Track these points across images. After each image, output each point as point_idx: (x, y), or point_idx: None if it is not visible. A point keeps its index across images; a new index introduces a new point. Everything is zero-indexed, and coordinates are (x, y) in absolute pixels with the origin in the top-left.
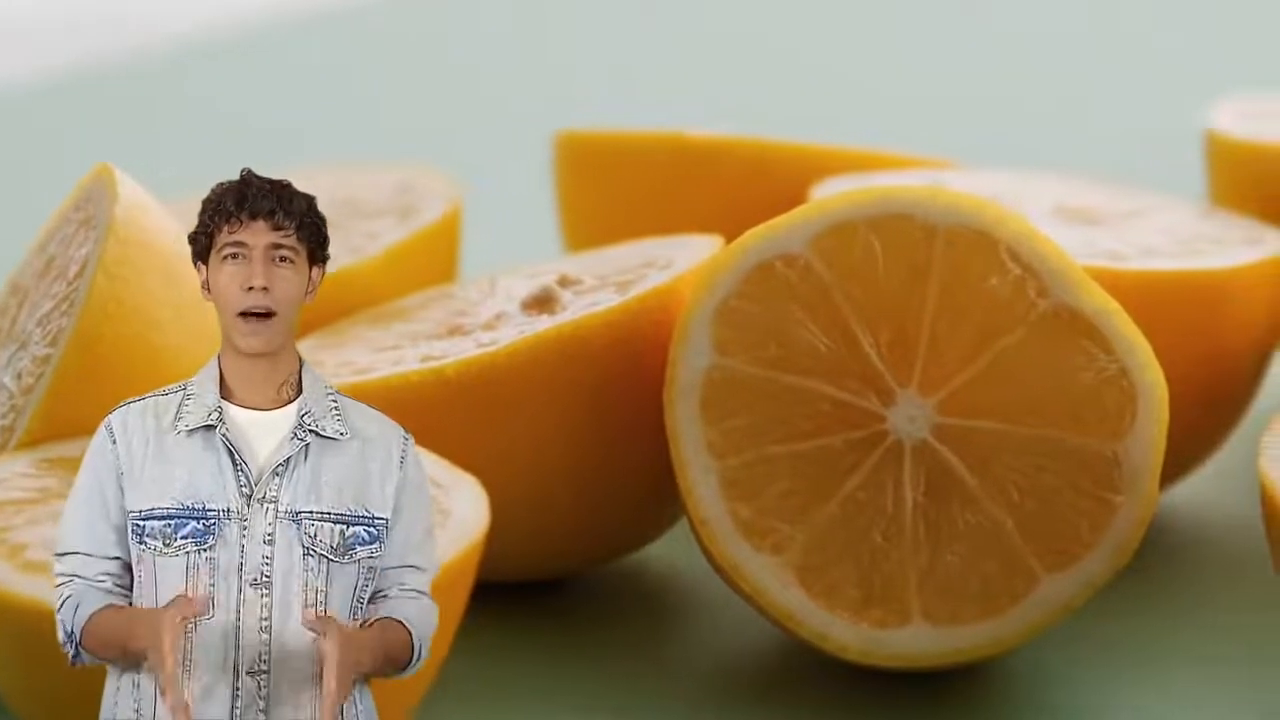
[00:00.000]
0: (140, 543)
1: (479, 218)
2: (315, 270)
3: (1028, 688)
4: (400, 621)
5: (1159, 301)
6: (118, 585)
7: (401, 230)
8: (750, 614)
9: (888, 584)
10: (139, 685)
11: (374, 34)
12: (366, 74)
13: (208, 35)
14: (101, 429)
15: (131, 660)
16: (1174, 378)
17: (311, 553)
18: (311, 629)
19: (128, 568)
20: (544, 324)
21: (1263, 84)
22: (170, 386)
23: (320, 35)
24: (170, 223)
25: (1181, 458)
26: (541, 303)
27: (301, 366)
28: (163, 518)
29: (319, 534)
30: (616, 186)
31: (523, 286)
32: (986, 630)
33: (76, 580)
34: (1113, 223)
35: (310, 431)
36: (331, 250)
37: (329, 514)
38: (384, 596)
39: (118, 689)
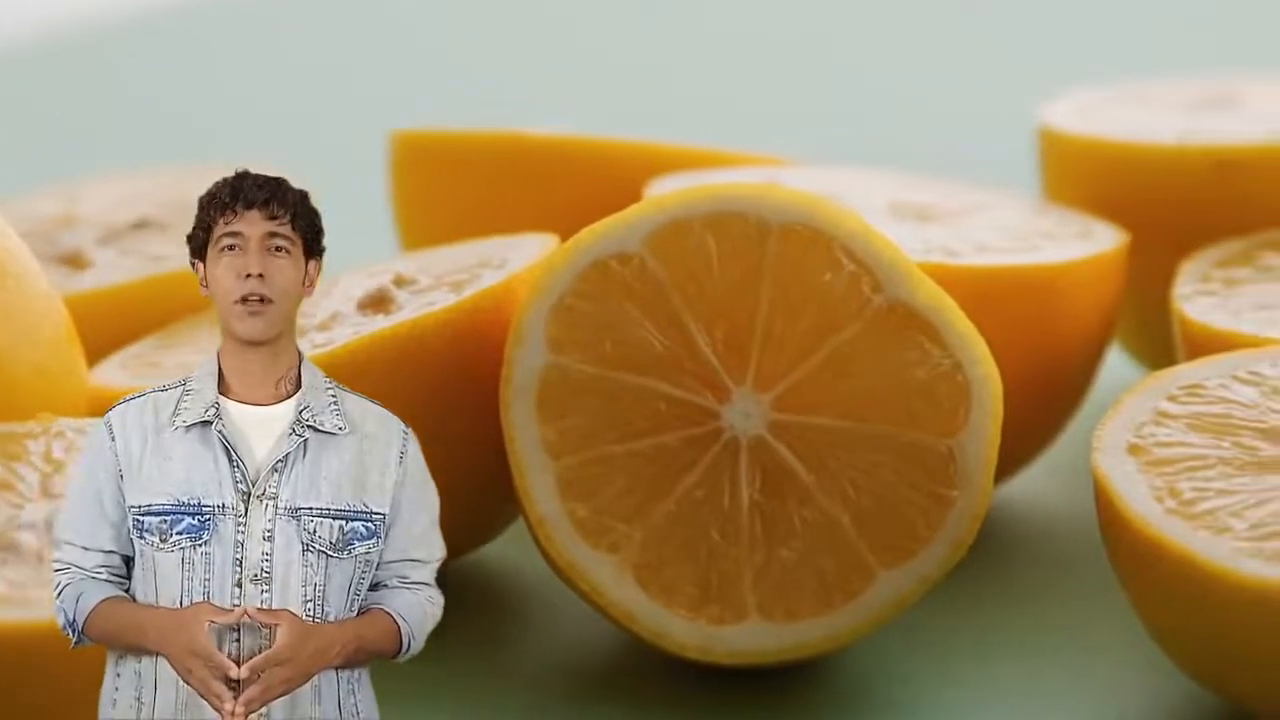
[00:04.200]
0: (140, 537)
1: None
2: (311, 264)
3: (864, 683)
4: (390, 613)
5: (993, 297)
6: (114, 575)
7: None
8: (589, 613)
9: (725, 581)
10: (140, 674)
11: (208, 34)
12: (199, 74)
13: (39, 36)
14: (101, 425)
15: (137, 651)
16: (1009, 373)
17: (311, 548)
18: (264, 624)
19: (125, 560)
20: (379, 324)
21: (1095, 79)
22: (171, 381)
23: (154, 36)
24: (1, 224)
25: (1016, 452)
26: (377, 303)
27: (301, 362)
28: (159, 514)
29: (318, 530)
30: (453, 186)
31: (358, 286)
32: (822, 626)
33: (74, 569)
34: (947, 219)
35: (308, 427)
36: (166, 252)
37: (328, 510)
38: (383, 587)
39: (118, 675)
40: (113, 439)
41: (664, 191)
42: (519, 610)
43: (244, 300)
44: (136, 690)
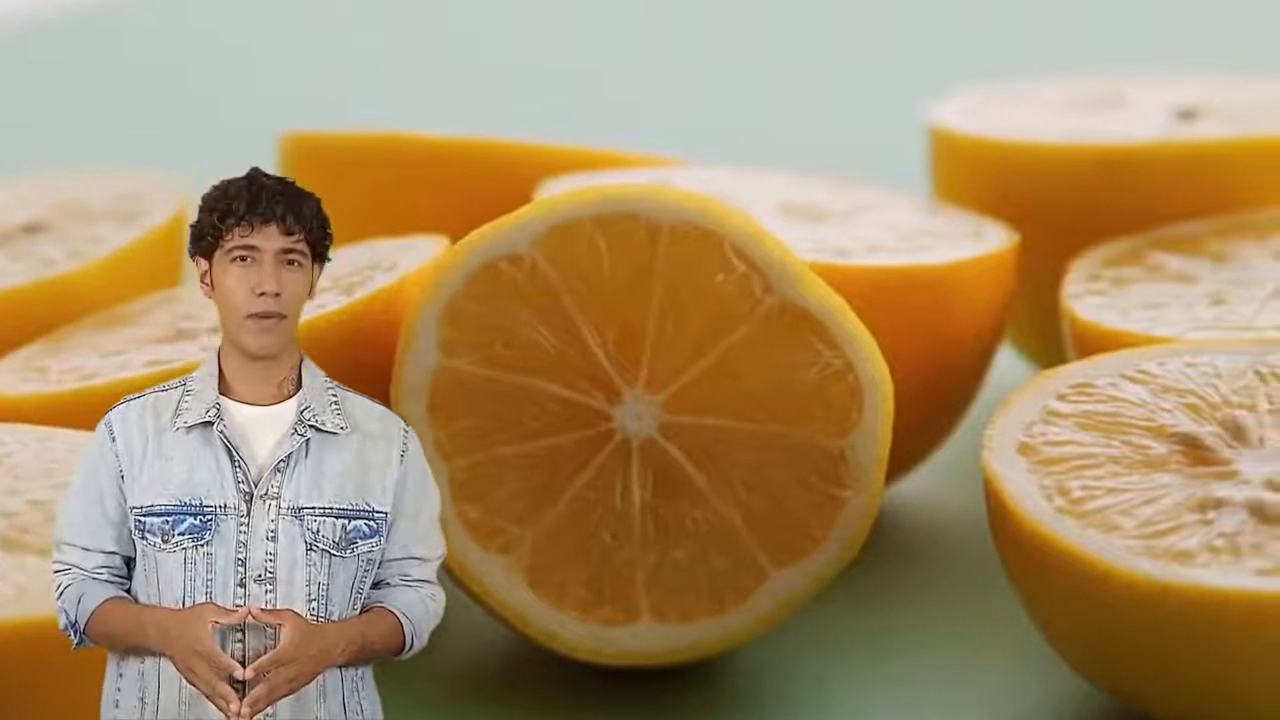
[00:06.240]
0: (142, 538)
1: None
2: (316, 268)
3: (758, 682)
4: (393, 611)
5: (884, 297)
6: (115, 576)
7: (126, 234)
8: (480, 615)
9: (617, 582)
10: (143, 674)
11: (93, 37)
12: (86, 77)
13: None
14: (101, 426)
15: (139, 652)
16: (900, 373)
17: (314, 548)
18: (268, 624)
19: (125, 560)
20: None
21: (985, 78)
22: (170, 382)
23: (46, 38)
24: None
25: (908, 452)
26: None
27: (301, 361)
28: (161, 514)
29: (321, 529)
30: (343, 188)
31: None
32: (714, 626)
33: (75, 570)
34: (838, 219)
35: (310, 427)
36: (54, 255)
37: (330, 509)
38: (385, 585)
39: (120, 675)
40: (113, 439)
41: (554, 193)
42: None
43: (255, 317)
44: (140, 690)
